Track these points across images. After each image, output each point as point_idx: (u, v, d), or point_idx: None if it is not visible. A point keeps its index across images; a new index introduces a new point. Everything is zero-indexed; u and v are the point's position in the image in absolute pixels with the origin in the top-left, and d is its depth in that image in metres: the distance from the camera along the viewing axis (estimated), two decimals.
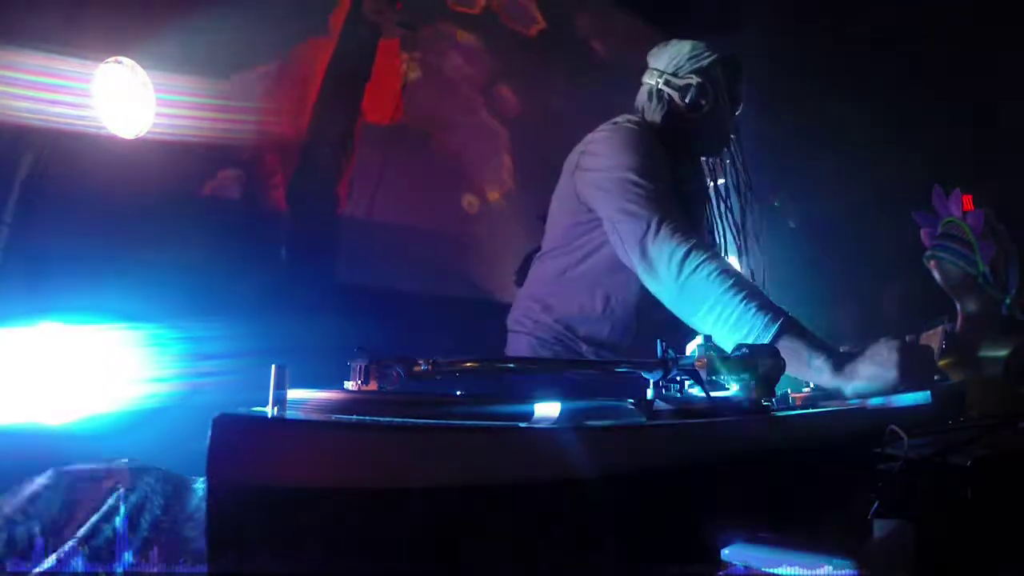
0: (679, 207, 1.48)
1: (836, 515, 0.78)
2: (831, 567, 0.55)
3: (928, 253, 1.88)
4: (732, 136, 1.81)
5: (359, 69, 2.93)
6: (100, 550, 0.72)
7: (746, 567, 0.59)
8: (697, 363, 0.86)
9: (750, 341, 1.20)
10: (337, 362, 0.78)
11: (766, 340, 1.21)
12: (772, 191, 3.95)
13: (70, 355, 1.67)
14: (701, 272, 1.30)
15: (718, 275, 1.29)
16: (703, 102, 1.65)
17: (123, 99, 2.27)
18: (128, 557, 0.72)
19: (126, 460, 0.87)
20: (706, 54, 1.69)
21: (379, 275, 3.13)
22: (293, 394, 0.61)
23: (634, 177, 1.47)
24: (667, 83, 1.69)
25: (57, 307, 1.75)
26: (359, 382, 0.73)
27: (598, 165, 1.57)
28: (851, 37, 3.71)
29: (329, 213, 3.05)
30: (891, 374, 1.12)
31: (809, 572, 0.55)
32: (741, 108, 1.79)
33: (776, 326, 1.22)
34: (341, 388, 0.73)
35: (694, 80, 1.65)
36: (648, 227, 1.40)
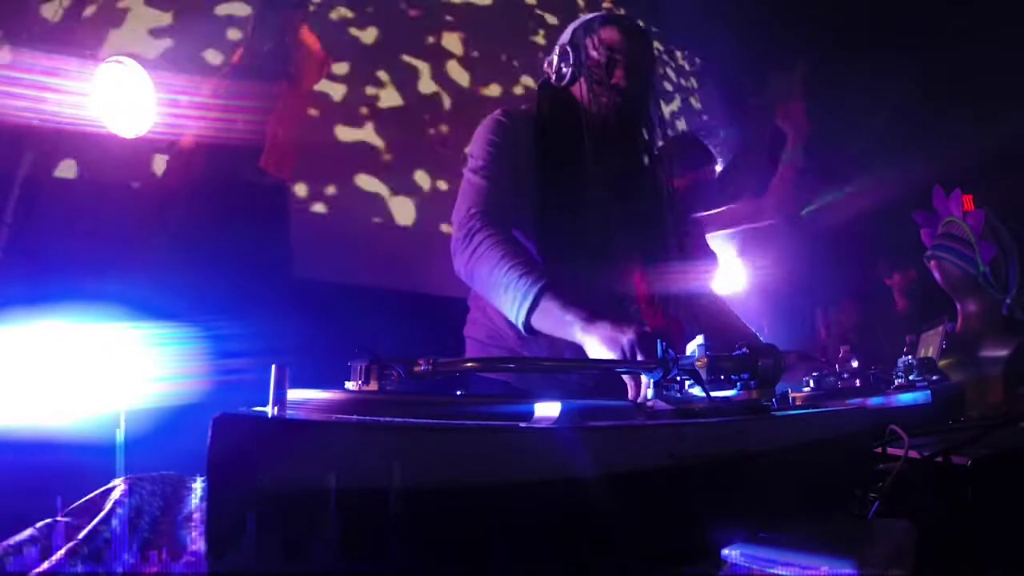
0: (505, 191, 1.53)
1: (836, 515, 0.78)
2: (831, 567, 0.55)
3: (928, 253, 1.88)
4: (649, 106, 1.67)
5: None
6: (99, 551, 0.72)
7: (746, 567, 0.59)
8: (697, 363, 0.86)
9: (516, 300, 1.36)
10: (337, 362, 0.78)
11: (530, 297, 1.34)
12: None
13: (68, 355, 1.67)
14: (483, 247, 1.43)
15: (495, 248, 1.42)
16: (563, 67, 1.64)
17: (123, 99, 2.27)
18: (127, 558, 0.72)
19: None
20: (575, 27, 1.68)
21: (380, 275, 3.13)
22: (293, 394, 0.61)
23: (470, 167, 1.56)
24: (547, 64, 1.70)
25: (56, 307, 1.75)
26: (359, 382, 0.73)
27: None
28: (853, 38, 3.72)
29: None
30: (616, 344, 1.23)
31: (809, 572, 0.55)
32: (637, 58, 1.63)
33: (539, 286, 1.34)
34: (341, 388, 0.73)
35: (558, 51, 1.66)
36: (464, 217, 1.49)
